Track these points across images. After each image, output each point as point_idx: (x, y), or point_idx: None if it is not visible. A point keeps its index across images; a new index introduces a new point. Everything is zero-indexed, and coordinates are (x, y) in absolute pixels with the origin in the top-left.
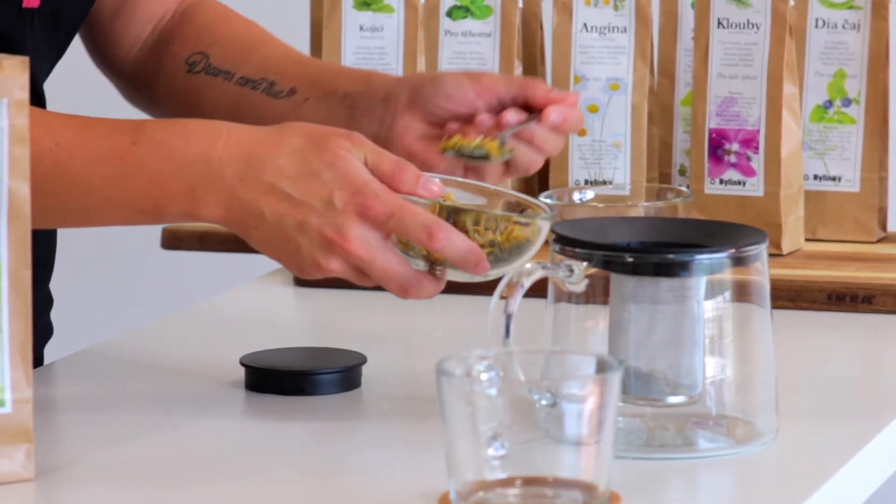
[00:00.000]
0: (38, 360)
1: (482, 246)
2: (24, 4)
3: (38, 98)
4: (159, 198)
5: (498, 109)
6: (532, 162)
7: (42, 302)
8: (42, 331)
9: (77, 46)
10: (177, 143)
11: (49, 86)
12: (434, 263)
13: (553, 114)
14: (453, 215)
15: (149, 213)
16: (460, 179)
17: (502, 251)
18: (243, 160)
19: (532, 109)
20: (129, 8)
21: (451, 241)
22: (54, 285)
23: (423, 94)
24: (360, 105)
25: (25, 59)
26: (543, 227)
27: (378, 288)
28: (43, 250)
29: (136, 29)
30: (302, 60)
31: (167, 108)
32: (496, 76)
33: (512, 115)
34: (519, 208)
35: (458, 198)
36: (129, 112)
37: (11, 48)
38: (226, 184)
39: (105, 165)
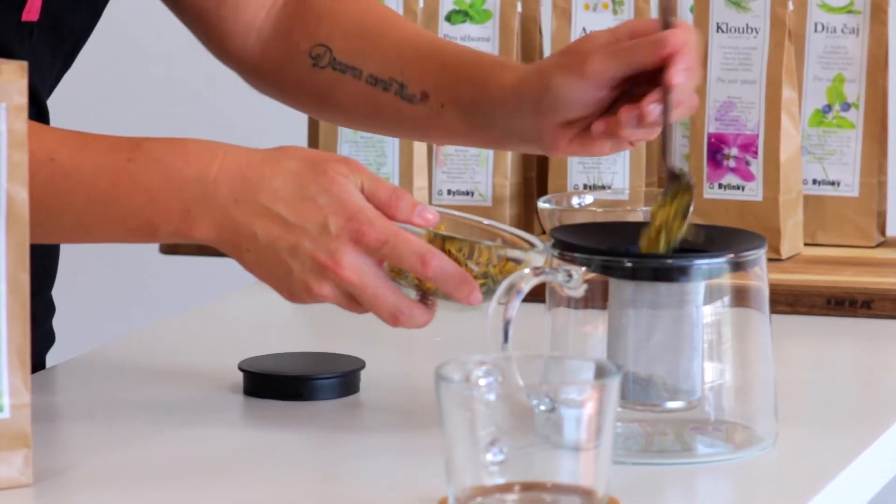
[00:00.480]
0: (39, 367)
1: (475, 277)
2: (23, 18)
3: (39, 111)
4: (153, 216)
5: (620, 84)
6: (683, 115)
7: (44, 309)
8: (44, 337)
9: (81, 61)
10: (174, 161)
11: (52, 101)
12: (426, 293)
13: (677, 77)
14: (448, 245)
15: (142, 232)
16: (456, 213)
17: (495, 283)
18: (239, 181)
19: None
20: None
21: (444, 269)
22: (54, 290)
23: (545, 107)
24: (497, 116)
25: (24, 64)
26: (536, 261)
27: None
28: (44, 258)
29: (246, 16)
30: (424, 52)
31: (297, 99)
32: (600, 60)
33: (653, 109)
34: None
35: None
36: (131, 129)
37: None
38: (220, 203)
39: (100, 182)
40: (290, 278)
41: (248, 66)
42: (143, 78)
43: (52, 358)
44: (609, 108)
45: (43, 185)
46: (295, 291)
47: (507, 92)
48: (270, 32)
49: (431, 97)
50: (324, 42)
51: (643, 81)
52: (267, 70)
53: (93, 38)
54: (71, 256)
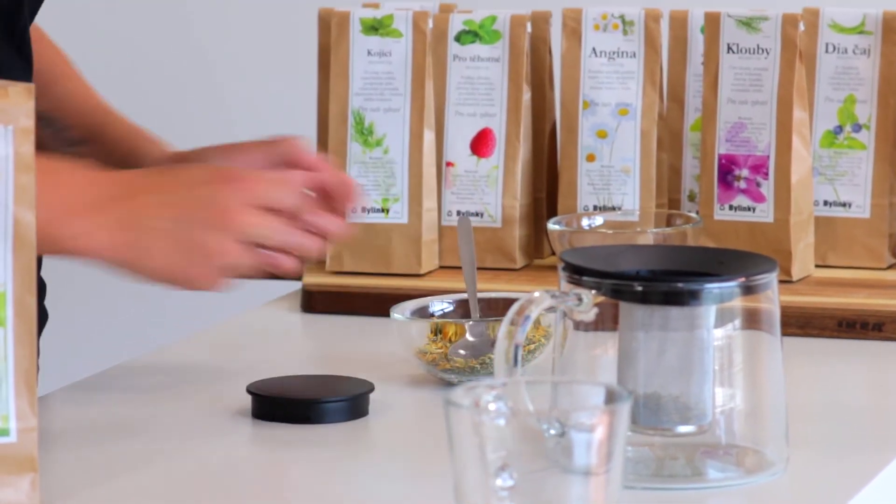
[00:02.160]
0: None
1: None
2: None
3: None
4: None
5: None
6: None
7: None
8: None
9: (90, 68)
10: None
11: None
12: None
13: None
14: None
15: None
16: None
17: (539, 346)
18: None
19: (300, 165)
20: None
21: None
22: (56, 312)
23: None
24: None
25: (31, 87)
26: None
27: (384, 314)
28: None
29: None
30: (97, 112)
31: None
32: (258, 143)
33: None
34: None
35: None
36: None
37: (22, 30)
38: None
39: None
40: (204, 247)
41: None
42: (145, 80)
43: (54, 380)
44: None
45: None
46: (211, 252)
47: (152, 161)
48: None
49: (89, 145)
50: None
51: None
52: None
53: (98, 42)
54: (74, 273)
